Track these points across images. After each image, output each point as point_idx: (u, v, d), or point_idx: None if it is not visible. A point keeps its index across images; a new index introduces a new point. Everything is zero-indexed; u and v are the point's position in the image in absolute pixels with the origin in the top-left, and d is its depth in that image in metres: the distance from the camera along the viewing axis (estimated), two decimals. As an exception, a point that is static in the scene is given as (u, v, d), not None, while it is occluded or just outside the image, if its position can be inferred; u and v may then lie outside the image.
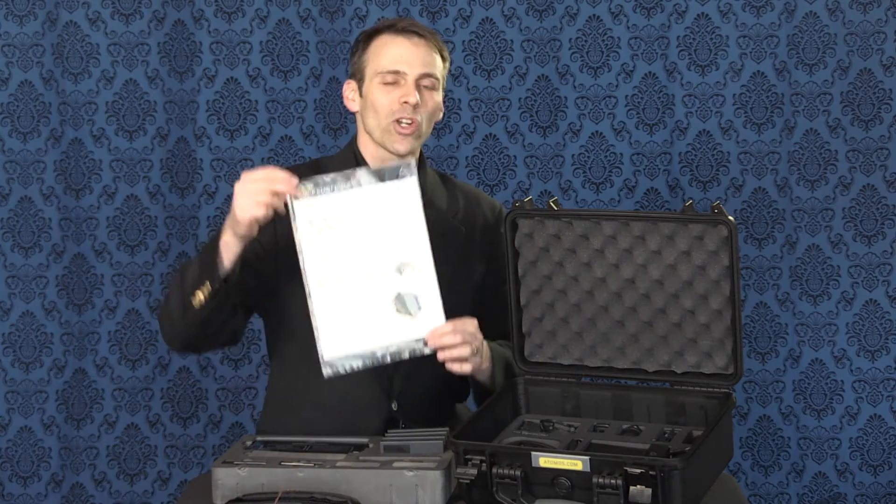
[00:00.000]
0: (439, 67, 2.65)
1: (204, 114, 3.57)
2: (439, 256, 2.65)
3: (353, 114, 2.71)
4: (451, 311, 2.65)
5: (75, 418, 3.62)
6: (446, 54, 2.68)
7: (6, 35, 3.53)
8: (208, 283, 2.47)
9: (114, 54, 3.55)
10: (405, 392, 2.65)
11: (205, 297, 2.48)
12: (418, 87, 2.60)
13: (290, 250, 2.56)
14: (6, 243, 3.57)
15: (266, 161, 3.57)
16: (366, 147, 2.67)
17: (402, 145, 2.61)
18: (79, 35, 3.54)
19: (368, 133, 2.65)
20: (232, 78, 3.56)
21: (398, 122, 2.60)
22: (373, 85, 2.62)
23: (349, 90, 2.69)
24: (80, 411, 3.62)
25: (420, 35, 2.63)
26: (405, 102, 2.59)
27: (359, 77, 2.65)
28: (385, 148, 2.63)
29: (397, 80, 2.60)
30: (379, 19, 3.53)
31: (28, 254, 3.58)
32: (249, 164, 3.58)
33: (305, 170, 2.68)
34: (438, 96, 2.65)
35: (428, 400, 2.68)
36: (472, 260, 2.71)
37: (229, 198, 3.55)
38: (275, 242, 2.61)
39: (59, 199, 3.57)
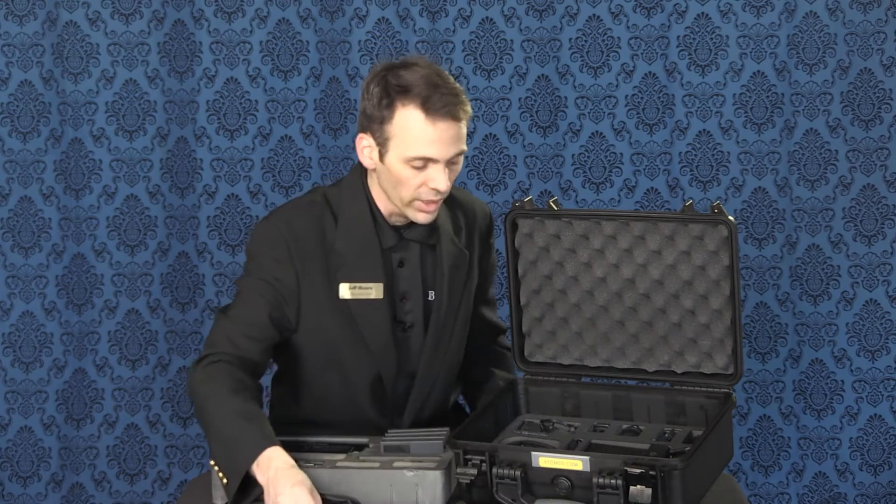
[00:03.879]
0: (465, 134, 2.48)
1: (204, 114, 3.56)
2: (447, 288, 2.62)
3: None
4: (456, 339, 2.65)
5: (75, 418, 3.62)
6: (469, 108, 2.48)
7: (6, 35, 3.53)
8: (226, 481, 2.36)
9: (114, 54, 3.55)
10: (414, 425, 2.63)
11: (218, 473, 2.39)
12: (447, 165, 2.46)
13: (314, 303, 2.53)
14: (6, 243, 3.57)
15: (266, 161, 3.57)
16: (379, 198, 2.55)
17: (425, 218, 2.51)
18: (79, 35, 3.54)
19: (385, 192, 2.53)
20: (232, 78, 3.56)
21: (424, 201, 2.48)
22: (398, 164, 2.45)
23: (365, 146, 2.51)
24: (79, 411, 3.62)
25: (451, 118, 2.42)
26: (435, 189, 2.46)
27: (379, 142, 2.47)
28: (405, 215, 2.53)
29: (426, 164, 2.45)
30: (379, 20, 3.53)
31: (28, 254, 3.58)
32: (249, 164, 3.58)
33: (318, 206, 2.58)
34: (461, 158, 2.50)
35: (429, 419, 2.66)
36: (472, 281, 2.68)
37: (229, 198, 3.57)
38: (297, 297, 2.54)
39: (58, 199, 3.57)
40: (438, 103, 2.41)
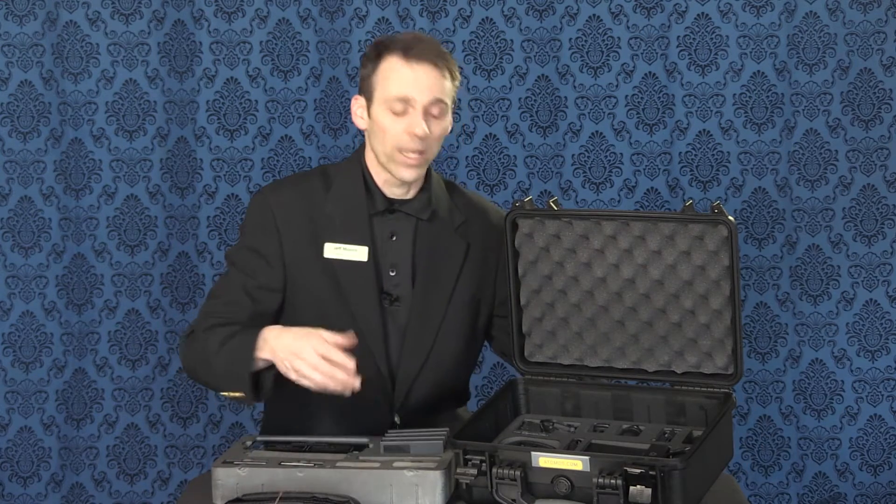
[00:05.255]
0: (448, 91, 2.59)
1: (204, 114, 3.57)
2: (439, 269, 2.65)
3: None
4: (450, 325, 2.66)
5: (75, 418, 3.62)
6: (456, 73, 2.62)
7: (6, 35, 3.53)
8: (242, 394, 2.52)
9: (114, 54, 3.55)
10: (406, 403, 2.65)
11: (234, 398, 2.53)
12: (426, 114, 2.55)
13: (298, 264, 2.59)
14: (6, 243, 3.57)
15: (266, 161, 3.57)
16: (373, 165, 2.65)
17: (408, 174, 2.59)
18: (79, 35, 3.54)
19: (374, 154, 2.63)
20: (232, 78, 3.56)
21: (403, 151, 2.56)
22: (380, 110, 2.57)
23: (357, 107, 2.64)
24: (79, 411, 3.62)
25: (429, 61, 2.56)
26: (413, 134, 2.54)
27: (367, 96, 2.61)
28: (390, 172, 2.61)
29: (405, 108, 2.55)
30: (379, 20, 3.54)
31: (28, 254, 3.58)
32: (249, 164, 3.58)
33: (312, 177, 2.68)
34: (448, 119, 2.61)
35: (428, 408, 2.67)
36: (474, 273, 2.70)
37: (229, 198, 3.57)
38: (281, 258, 2.62)
39: (59, 199, 3.57)
40: (418, 49, 2.56)
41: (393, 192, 2.65)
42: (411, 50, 2.56)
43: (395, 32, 2.65)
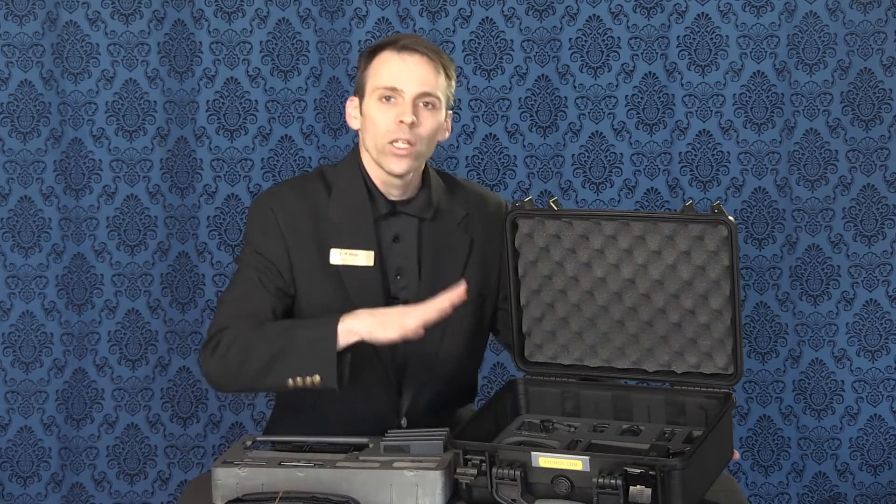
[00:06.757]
0: (441, 87, 2.59)
1: (204, 114, 3.57)
2: (444, 268, 2.64)
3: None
4: (456, 324, 2.64)
5: (75, 418, 3.62)
6: (452, 72, 2.62)
7: (6, 35, 3.53)
8: (319, 377, 2.44)
9: (114, 54, 3.55)
10: (413, 407, 2.64)
11: (303, 384, 2.45)
12: (416, 106, 2.56)
13: (304, 271, 2.57)
14: (6, 243, 3.57)
15: (266, 161, 3.57)
16: (369, 165, 2.64)
17: (398, 166, 2.57)
18: (79, 35, 3.54)
19: (367, 151, 2.62)
20: (232, 78, 3.56)
21: (394, 142, 2.56)
22: (371, 102, 2.58)
23: (351, 107, 2.65)
24: (79, 411, 3.62)
25: (421, 53, 2.57)
26: (401, 122, 2.54)
27: (360, 94, 2.62)
28: (381, 167, 2.60)
29: (395, 97, 2.56)
30: (379, 20, 3.54)
31: (28, 254, 3.58)
32: (249, 164, 3.58)
33: (312, 179, 2.67)
34: (440, 115, 2.60)
35: (435, 409, 2.67)
36: (478, 269, 2.69)
37: (229, 198, 3.57)
38: (289, 267, 2.60)
39: (59, 199, 3.57)
40: (411, 43, 2.58)
41: (393, 193, 2.63)
42: (402, 42, 2.58)
43: (395, 33, 2.65)
